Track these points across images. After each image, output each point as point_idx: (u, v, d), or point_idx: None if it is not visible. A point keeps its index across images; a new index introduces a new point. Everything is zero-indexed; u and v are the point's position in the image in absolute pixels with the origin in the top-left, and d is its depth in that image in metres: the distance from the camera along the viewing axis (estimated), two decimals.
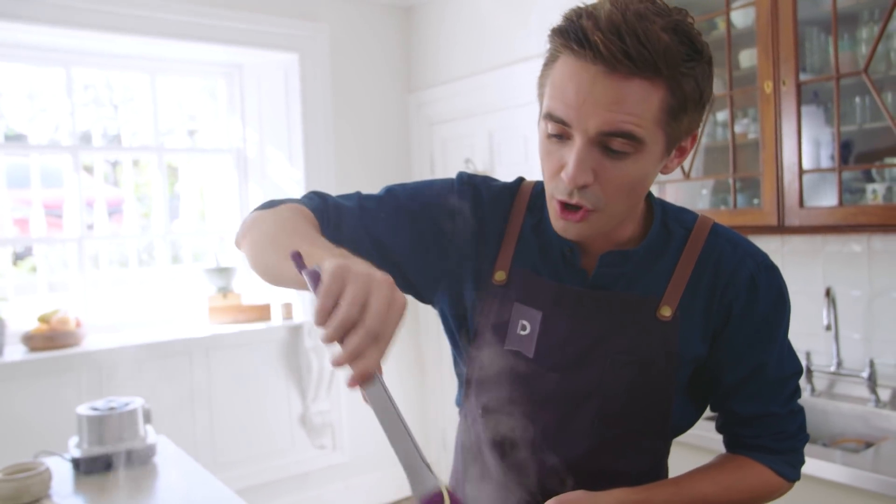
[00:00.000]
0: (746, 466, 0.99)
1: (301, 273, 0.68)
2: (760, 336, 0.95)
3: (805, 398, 2.10)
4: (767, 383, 0.97)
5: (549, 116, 0.84)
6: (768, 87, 2.03)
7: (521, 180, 1.05)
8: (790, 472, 1.00)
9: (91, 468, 1.84)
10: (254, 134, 3.58)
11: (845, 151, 2.02)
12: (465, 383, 1.02)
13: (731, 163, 2.16)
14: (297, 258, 0.69)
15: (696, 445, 1.80)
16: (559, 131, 0.84)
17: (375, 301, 0.64)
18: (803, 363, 2.15)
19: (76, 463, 1.85)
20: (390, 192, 1.01)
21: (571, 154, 0.82)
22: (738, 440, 1.02)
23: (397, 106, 3.74)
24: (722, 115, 2.25)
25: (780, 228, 2.04)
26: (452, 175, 1.05)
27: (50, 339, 2.83)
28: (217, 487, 1.74)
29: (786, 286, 0.96)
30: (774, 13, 2.00)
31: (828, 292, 2.07)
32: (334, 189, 3.42)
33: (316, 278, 0.66)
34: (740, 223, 2.13)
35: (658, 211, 0.97)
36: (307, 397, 3.46)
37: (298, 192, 3.43)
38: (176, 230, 3.54)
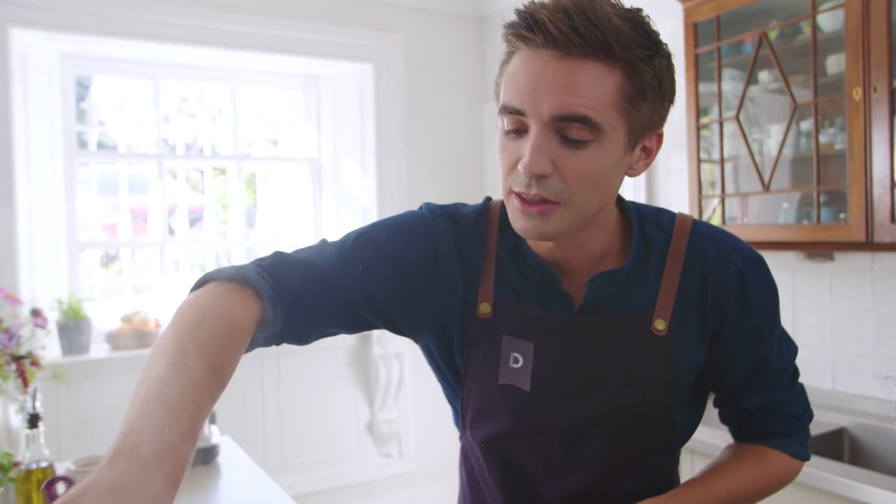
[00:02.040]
0: (765, 455, 0.98)
1: None
2: (760, 332, 0.93)
3: None
4: (772, 374, 0.96)
5: (504, 109, 0.82)
6: (857, 94, 1.90)
7: (488, 200, 1.00)
8: (803, 451, 1.00)
9: None
10: (328, 143, 3.65)
11: None
12: (461, 416, 0.98)
13: (815, 175, 2.04)
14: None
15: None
16: (516, 125, 0.81)
17: None
18: (894, 388, 2.01)
19: None
20: (364, 237, 0.92)
21: (527, 143, 0.80)
22: (749, 430, 1.01)
23: (471, 116, 3.73)
24: (806, 125, 2.12)
25: (869, 245, 1.90)
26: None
27: (131, 338, 2.96)
28: (276, 492, 1.76)
29: (771, 274, 0.93)
30: (866, 15, 1.87)
31: None
32: (406, 200, 3.44)
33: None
34: (824, 238, 2.00)
35: (634, 218, 0.92)
36: (374, 405, 3.48)
37: (371, 202, 3.47)
38: (253, 237, 3.64)
